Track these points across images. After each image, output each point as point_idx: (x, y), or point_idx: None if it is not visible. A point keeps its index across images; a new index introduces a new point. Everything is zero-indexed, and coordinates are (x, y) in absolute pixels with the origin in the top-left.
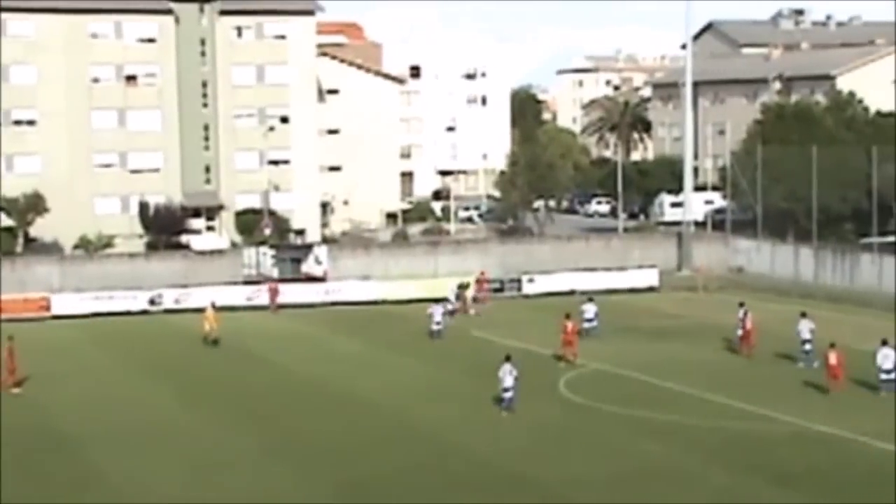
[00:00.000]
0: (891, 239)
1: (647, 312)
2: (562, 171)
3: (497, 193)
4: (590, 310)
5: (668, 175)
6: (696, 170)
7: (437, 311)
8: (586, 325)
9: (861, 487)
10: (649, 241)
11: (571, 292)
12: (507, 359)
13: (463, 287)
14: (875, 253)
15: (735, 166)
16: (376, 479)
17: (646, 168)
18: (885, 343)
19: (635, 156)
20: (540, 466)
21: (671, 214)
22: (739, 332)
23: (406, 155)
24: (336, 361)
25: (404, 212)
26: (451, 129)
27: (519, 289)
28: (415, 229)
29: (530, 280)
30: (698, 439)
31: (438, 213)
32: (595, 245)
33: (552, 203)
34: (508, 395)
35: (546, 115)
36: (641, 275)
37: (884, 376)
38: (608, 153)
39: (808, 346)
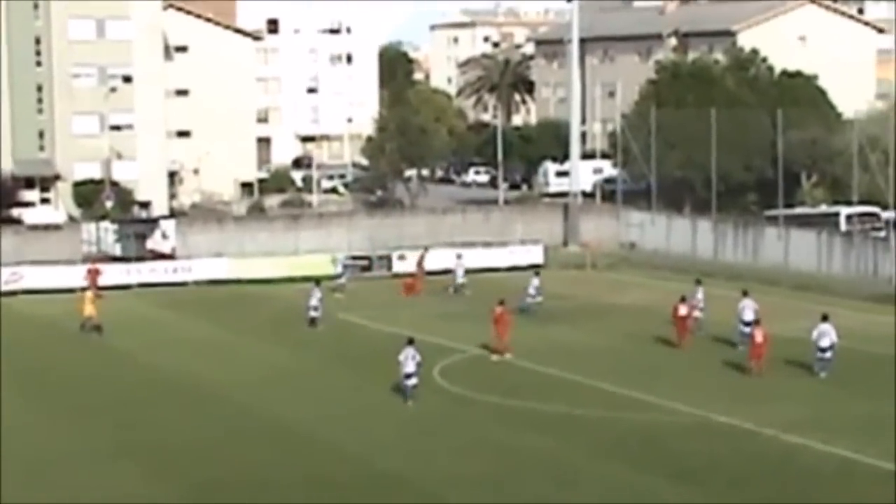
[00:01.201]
0: (798, 211)
1: None
2: (436, 136)
3: (364, 161)
4: (532, 284)
5: (552, 141)
6: (583, 135)
7: (315, 296)
8: (528, 300)
9: (768, 484)
10: (533, 214)
11: (447, 271)
12: (410, 342)
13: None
14: (781, 226)
15: (626, 131)
16: (232, 478)
17: (528, 133)
18: (825, 319)
19: (517, 120)
20: (412, 463)
21: (556, 184)
22: (698, 313)
23: (263, 119)
24: (186, 348)
25: (261, 182)
26: (312, 90)
27: (389, 267)
28: (273, 201)
29: (401, 257)
30: (588, 432)
31: (299, 183)
32: (473, 218)
33: (425, 172)
34: (411, 382)
35: (418, 75)
36: (524, 251)
37: (819, 354)
38: (487, 117)
39: (748, 329)
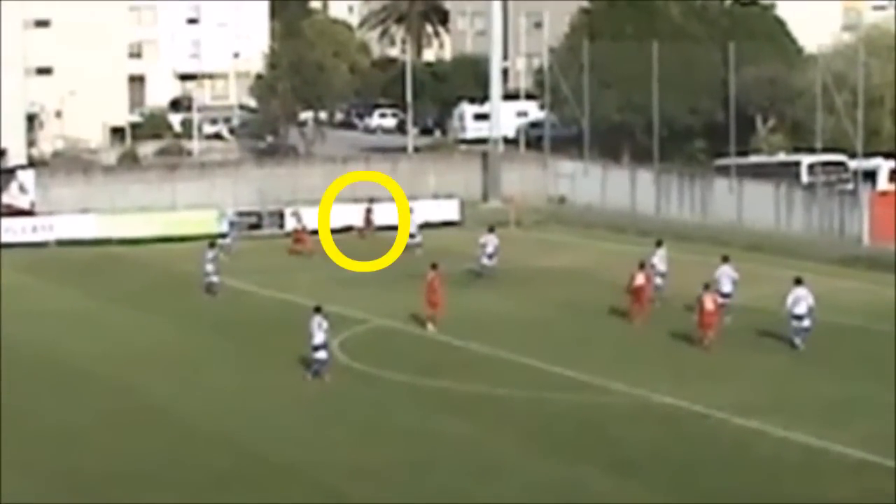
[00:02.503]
0: (752, 160)
1: (444, 254)
2: (335, 74)
3: (252, 103)
4: (490, 242)
5: (470, 79)
6: (505, 72)
7: (208, 257)
8: (486, 262)
9: (718, 475)
10: (447, 164)
11: (349, 228)
12: (317, 310)
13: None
14: (733, 178)
15: (555, 68)
16: (102, 468)
17: (442, 71)
18: (798, 282)
19: (428, 55)
20: (307, 452)
21: (475, 129)
22: (659, 280)
23: (136, 54)
24: (48, 319)
25: (134, 126)
26: (192, 20)
27: (281, 224)
28: (148, 149)
29: (295, 213)
30: (512, 415)
31: (177, 128)
32: (378, 169)
33: (323, 115)
34: (320, 355)
35: (314, 3)
36: (438, 206)
37: (795, 323)
38: (394, 52)
39: (727, 301)
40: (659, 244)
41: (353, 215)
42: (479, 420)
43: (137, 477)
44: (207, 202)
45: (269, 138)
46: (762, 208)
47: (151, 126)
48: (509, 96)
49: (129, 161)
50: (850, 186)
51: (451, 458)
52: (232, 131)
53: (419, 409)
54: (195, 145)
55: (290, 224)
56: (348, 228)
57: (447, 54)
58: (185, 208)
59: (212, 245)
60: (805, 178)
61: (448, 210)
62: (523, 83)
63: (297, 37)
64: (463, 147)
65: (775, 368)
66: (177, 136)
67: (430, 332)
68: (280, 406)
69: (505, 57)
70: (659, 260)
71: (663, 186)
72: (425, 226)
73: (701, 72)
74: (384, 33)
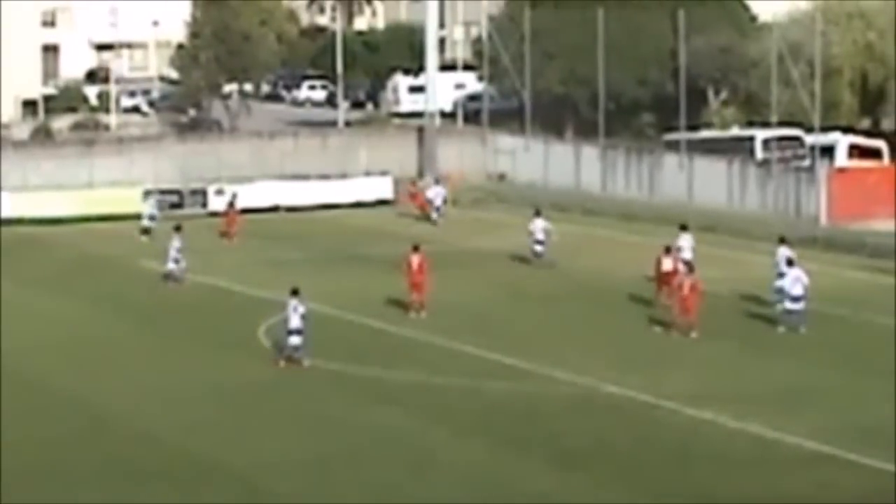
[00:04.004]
0: (704, 135)
1: (377, 234)
2: (261, 43)
3: (173, 74)
4: (538, 228)
5: (404, 49)
6: (441, 42)
7: (175, 245)
8: (537, 247)
9: (667, 469)
10: (380, 139)
11: (275, 208)
12: (294, 293)
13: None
14: (682, 154)
15: (494, 37)
16: (12, 463)
17: (375, 40)
18: (791, 263)
19: (360, 24)
20: (229, 445)
21: (409, 103)
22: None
23: (49, 22)
24: None
25: (47, 99)
26: None
27: (204, 203)
28: (62, 123)
29: (219, 192)
30: (448, 405)
31: (94, 100)
32: (307, 144)
33: (248, 87)
34: (294, 340)
35: None
36: (370, 184)
37: (790, 305)
38: (324, 20)
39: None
40: (684, 228)
41: (282, 194)
42: (413, 410)
43: (47, 469)
44: (125, 179)
45: (192, 112)
46: (714, 186)
47: (66, 99)
48: (446, 67)
49: (43, 136)
50: (806, 163)
51: (383, 450)
52: (152, 104)
53: (350, 399)
54: (113, 119)
55: (221, 203)
56: (274, 208)
57: (380, 23)
58: (102, 186)
59: (177, 229)
60: (759, 153)
61: (381, 188)
62: (461, 53)
63: (221, 4)
64: (397, 121)
65: (727, 355)
66: (93, 109)
67: (408, 318)
68: (202, 397)
69: (441, 25)
70: (686, 246)
71: (609, 163)
72: (357, 205)
73: (649, 41)
74: (313, 0)
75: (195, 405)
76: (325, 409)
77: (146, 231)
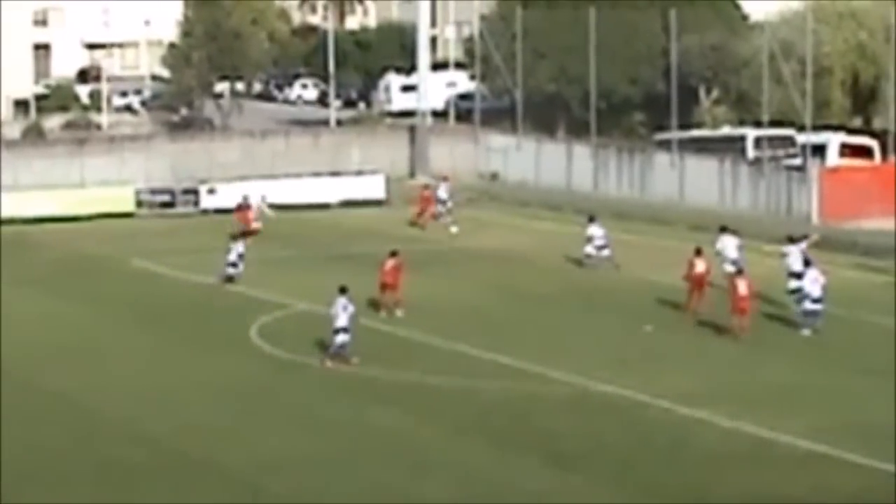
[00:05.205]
0: (695, 134)
1: (369, 234)
2: (253, 42)
3: (165, 73)
4: (598, 234)
5: (396, 48)
6: (433, 41)
7: (236, 250)
8: (603, 252)
9: (661, 468)
10: (372, 138)
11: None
12: (342, 291)
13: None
14: (674, 152)
15: (486, 36)
16: (4, 461)
17: (367, 39)
18: (807, 263)
19: (352, 22)
20: (225, 444)
21: (401, 101)
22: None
23: (41, 21)
24: None
25: (39, 98)
26: None
27: (196, 202)
28: (54, 122)
29: (210, 191)
30: (444, 406)
31: (85, 100)
32: (299, 143)
33: (240, 86)
34: (341, 338)
35: None
36: (362, 183)
37: (811, 306)
38: (316, 19)
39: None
40: (723, 230)
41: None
42: (409, 411)
43: (40, 470)
44: (117, 178)
45: (183, 111)
46: (705, 185)
47: (58, 98)
48: (438, 66)
49: (34, 135)
50: (798, 162)
51: (379, 451)
52: (143, 103)
53: (345, 399)
54: (104, 118)
55: (213, 202)
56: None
57: (372, 22)
58: (94, 185)
59: (234, 238)
60: (751, 152)
61: (373, 187)
62: (452, 52)
63: (213, 3)
64: (389, 120)
65: (722, 354)
66: (85, 108)
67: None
68: (197, 396)
69: (433, 24)
70: (731, 246)
71: (601, 162)
72: (348, 204)
73: (640, 40)
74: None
75: (191, 404)
76: (322, 409)
77: (230, 279)
